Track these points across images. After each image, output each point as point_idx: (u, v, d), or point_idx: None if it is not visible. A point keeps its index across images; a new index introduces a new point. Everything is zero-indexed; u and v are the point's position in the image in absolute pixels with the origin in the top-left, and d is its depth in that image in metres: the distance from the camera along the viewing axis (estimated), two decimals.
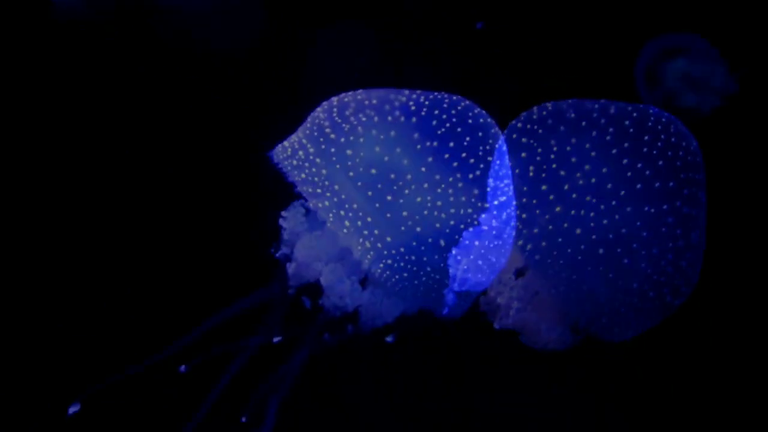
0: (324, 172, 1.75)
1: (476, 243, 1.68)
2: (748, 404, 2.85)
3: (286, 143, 1.89)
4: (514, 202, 1.69)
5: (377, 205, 1.69)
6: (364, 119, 1.76)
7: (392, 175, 1.68)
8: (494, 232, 1.70)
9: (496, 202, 1.71)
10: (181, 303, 2.78)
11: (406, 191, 1.67)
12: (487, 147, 1.72)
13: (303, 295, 1.96)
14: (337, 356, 2.11)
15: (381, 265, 1.70)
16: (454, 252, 1.68)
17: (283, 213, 1.92)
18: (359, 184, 1.70)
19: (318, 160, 1.77)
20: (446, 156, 1.69)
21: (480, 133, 1.73)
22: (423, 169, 1.68)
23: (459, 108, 1.74)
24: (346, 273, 1.82)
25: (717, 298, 2.87)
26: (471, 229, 1.68)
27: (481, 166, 1.70)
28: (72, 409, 2.22)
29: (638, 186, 1.64)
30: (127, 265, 2.82)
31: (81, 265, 2.84)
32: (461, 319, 2.00)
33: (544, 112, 1.73)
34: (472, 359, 2.89)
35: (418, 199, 1.67)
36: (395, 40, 2.91)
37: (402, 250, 1.69)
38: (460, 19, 2.91)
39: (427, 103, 1.75)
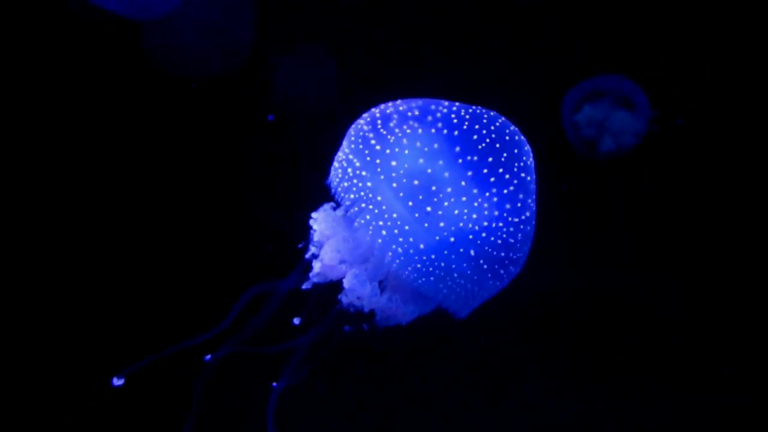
0: (369, 184, 1.83)
1: (502, 254, 1.83)
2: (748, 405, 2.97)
3: (336, 164, 1.98)
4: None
5: (416, 215, 1.78)
6: (408, 131, 1.83)
7: (433, 187, 1.77)
8: (518, 245, 1.87)
9: (523, 217, 1.86)
10: (193, 301, 2.85)
11: (446, 203, 1.77)
12: (521, 163, 1.83)
13: (323, 292, 2.08)
14: (348, 350, 2.21)
15: (409, 269, 1.80)
16: (481, 261, 1.83)
17: (314, 215, 2.03)
18: (401, 194, 1.79)
19: (364, 172, 1.85)
20: (485, 171, 1.78)
21: (516, 150, 1.83)
22: (462, 183, 1.77)
23: (497, 124, 1.84)
24: (368, 277, 1.93)
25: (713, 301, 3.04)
26: (500, 242, 1.82)
27: (515, 181, 1.81)
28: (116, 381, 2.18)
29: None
30: (140, 267, 2.88)
31: (94, 266, 2.86)
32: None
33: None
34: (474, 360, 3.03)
35: (456, 212, 1.77)
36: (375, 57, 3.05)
37: (433, 257, 1.78)
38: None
39: (467, 117, 1.82)
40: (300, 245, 2.09)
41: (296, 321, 2.12)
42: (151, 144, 2.94)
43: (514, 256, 1.88)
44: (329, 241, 1.99)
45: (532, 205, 1.90)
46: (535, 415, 2.99)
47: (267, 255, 2.87)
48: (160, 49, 2.81)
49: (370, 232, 1.82)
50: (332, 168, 1.99)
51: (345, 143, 1.98)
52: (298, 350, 2.16)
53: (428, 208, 1.78)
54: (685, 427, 2.95)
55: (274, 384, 2.17)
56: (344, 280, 1.95)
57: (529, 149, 1.91)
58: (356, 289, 1.94)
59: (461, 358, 3.03)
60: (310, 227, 2.05)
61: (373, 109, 1.98)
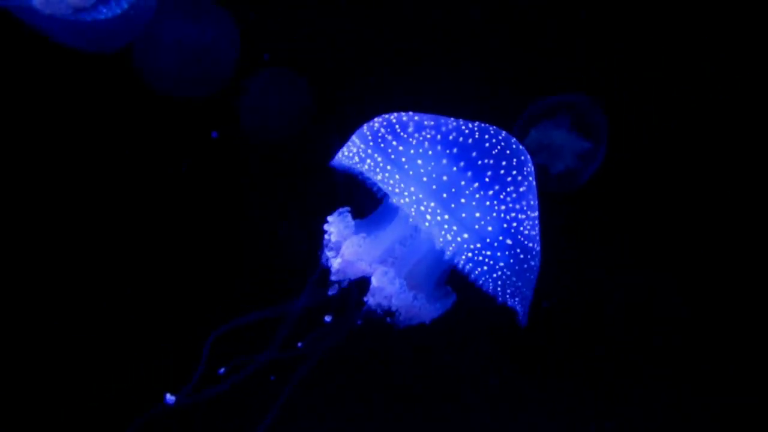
0: (397, 177, 1.88)
1: (530, 245, 1.92)
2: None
3: (346, 152, 2.01)
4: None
5: (452, 206, 1.85)
6: (429, 136, 1.92)
7: (462, 182, 1.87)
8: (538, 238, 1.96)
9: (536, 213, 1.97)
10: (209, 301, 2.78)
11: (477, 196, 1.86)
12: (528, 168, 1.97)
13: (344, 292, 2.09)
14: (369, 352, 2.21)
15: (463, 258, 1.85)
16: (518, 250, 1.90)
17: (329, 218, 2.06)
18: (434, 187, 1.86)
19: (389, 167, 1.90)
20: (502, 172, 1.90)
21: (522, 157, 1.96)
22: (487, 179, 1.89)
23: (503, 135, 1.96)
24: (396, 274, 1.96)
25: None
26: (526, 232, 1.91)
27: (527, 182, 1.94)
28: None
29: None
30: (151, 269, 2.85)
31: (108, 269, 2.84)
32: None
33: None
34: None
35: (487, 203, 1.87)
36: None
37: (479, 245, 1.85)
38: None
39: (476, 129, 1.94)
40: (304, 250, 2.12)
41: (327, 318, 2.15)
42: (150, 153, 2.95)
43: (537, 248, 1.97)
44: (350, 239, 2.01)
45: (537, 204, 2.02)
46: (536, 415, 3.05)
47: (280, 261, 2.82)
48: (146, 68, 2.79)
49: (419, 220, 1.86)
50: (342, 155, 2.03)
51: (358, 140, 2.02)
52: (319, 352, 2.15)
53: (462, 200, 1.86)
54: (685, 428, 3.08)
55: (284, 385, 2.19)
56: (373, 279, 1.97)
57: (529, 157, 2.04)
58: (386, 287, 1.96)
59: (467, 358, 3.07)
60: (324, 231, 2.07)
61: (384, 115, 2.04)
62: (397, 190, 1.87)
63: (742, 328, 3.10)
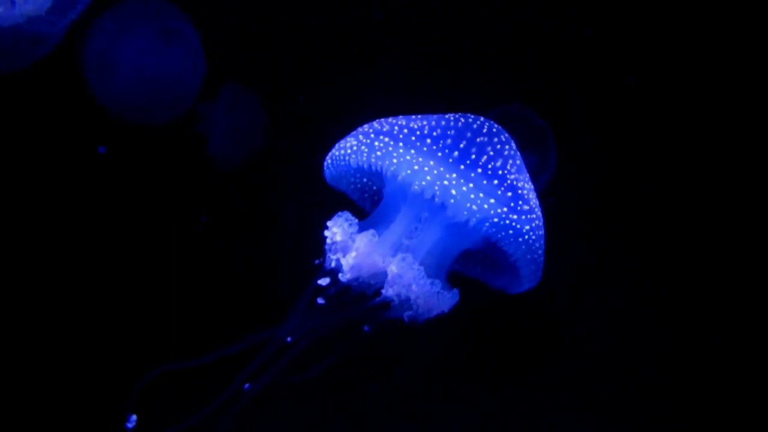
0: (413, 152, 1.92)
1: (538, 211, 2.00)
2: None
3: (347, 148, 2.02)
4: None
5: (472, 175, 1.91)
6: (426, 126, 1.99)
7: (473, 156, 1.95)
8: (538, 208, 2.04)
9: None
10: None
11: (490, 165, 1.94)
12: (514, 146, 2.05)
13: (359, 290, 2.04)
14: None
15: (487, 224, 1.89)
16: (534, 216, 1.96)
17: (329, 223, 2.03)
18: (450, 160, 1.92)
19: (401, 145, 1.94)
20: (498, 147, 1.99)
21: (506, 135, 2.04)
22: (490, 153, 1.97)
23: (481, 119, 2.04)
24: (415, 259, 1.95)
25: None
26: (533, 200, 1.99)
27: (518, 159, 2.03)
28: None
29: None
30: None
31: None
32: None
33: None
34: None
35: (501, 172, 1.94)
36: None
37: (504, 210, 1.90)
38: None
39: (458, 117, 2.02)
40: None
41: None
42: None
43: (539, 220, 2.04)
44: (361, 234, 1.99)
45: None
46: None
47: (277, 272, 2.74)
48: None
49: (435, 201, 1.88)
50: (344, 150, 2.03)
51: (361, 136, 2.02)
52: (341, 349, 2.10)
53: (479, 170, 1.93)
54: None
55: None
56: (392, 267, 1.94)
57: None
58: (406, 272, 1.94)
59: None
60: (325, 236, 2.04)
61: (376, 121, 2.08)
62: (417, 168, 1.88)
63: (714, 333, 3.19)
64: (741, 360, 3.12)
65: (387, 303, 1.98)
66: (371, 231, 1.99)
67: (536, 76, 3.16)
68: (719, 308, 3.13)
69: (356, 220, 2.04)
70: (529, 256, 1.96)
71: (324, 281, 2.04)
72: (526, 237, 1.92)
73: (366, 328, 2.14)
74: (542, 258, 2.04)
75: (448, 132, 1.96)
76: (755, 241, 3.11)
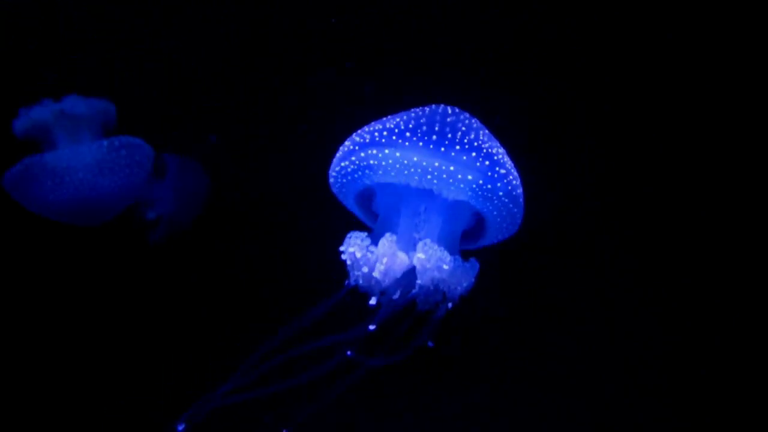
0: (397, 154, 2.08)
1: (512, 176, 2.19)
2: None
3: (341, 166, 2.17)
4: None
5: (452, 154, 2.08)
6: (397, 121, 2.17)
7: (449, 135, 2.12)
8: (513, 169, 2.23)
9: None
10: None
11: (466, 139, 2.14)
12: (477, 122, 2.25)
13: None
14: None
15: (469, 194, 2.07)
16: (510, 178, 2.15)
17: (342, 246, 2.17)
18: (431, 147, 2.08)
19: (386, 150, 2.09)
20: (464, 128, 2.18)
21: (468, 115, 2.25)
22: (463, 132, 2.17)
23: (443, 106, 2.24)
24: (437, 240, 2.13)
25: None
26: (508, 165, 2.18)
27: (482, 131, 2.21)
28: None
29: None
30: None
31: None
32: None
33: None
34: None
35: (476, 144, 2.14)
36: None
37: (480, 181, 2.07)
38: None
39: (425, 108, 2.22)
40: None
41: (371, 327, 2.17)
42: None
43: (516, 179, 2.24)
44: (382, 240, 2.12)
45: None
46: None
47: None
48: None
49: (423, 182, 2.06)
50: (342, 177, 2.19)
51: (347, 153, 2.19)
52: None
53: (457, 147, 2.12)
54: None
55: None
56: (417, 255, 2.09)
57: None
58: (432, 254, 2.08)
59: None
60: (345, 257, 2.18)
61: (356, 133, 2.26)
62: (405, 170, 2.06)
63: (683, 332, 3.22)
64: (741, 360, 3.12)
65: (425, 291, 2.11)
66: (387, 234, 2.13)
67: (536, 77, 3.20)
68: (719, 308, 3.14)
69: (366, 234, 2.18)
70: (505, 212, 2.14)
71: (373, 301, 2.15)
72: (500, 203, 2.11)
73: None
74: (521, 209, 2.22)
75: (421, 121, 2.14)
76: (755, 241, 3.14)
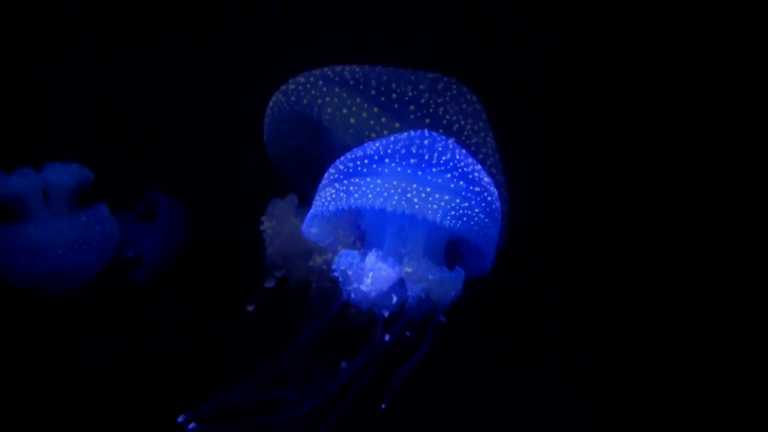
0: (378, 181, 2.16)
1: (488, 193, 2.26)
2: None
3: (323, 201, 2.24)
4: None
5: (429, 178, 2.16)
6: (375, 148, 2.25)
7: (426, 156, 2.21)
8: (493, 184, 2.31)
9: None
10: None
11: (442, 156, 2.22)
12: (452, 143, 2.32)
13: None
14: None
15: (449, 217, 2.13)
16: (485, 194, 2.23)
17: (333, 265, 2.26)
18: (408, 171, 2.17)
19: (368, 179, 2.17)
20: (440, 148, 2.25)
21: (443, 139, 2.31)
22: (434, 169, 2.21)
23: (422, 129, 2.32)
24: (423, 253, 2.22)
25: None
26: (485, 180, 2.26)
27: (457, 150, 2.29)
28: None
29: None
30: None
31: None
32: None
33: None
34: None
35: (451, 158, 2.23)
36: None
37: (457, 200, 2.15)
38: None
39: (402, 135, 2.30)
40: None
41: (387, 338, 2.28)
42: None
43: (495, 192, 2.32)
44: (368, 256, 2.23)
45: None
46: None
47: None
48: None
49: (404, 207, 2.11)
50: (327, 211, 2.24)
51: (327, 186, 2.27)
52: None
53: (434, 169, 2.19)
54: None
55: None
56: (405, 268, 2.19)
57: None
58: (418, 266, 2.19)
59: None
60: (336, 274, 2.27)
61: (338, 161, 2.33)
62: (385, 194, 2.13)
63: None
64: (741, 360, 3.11)
65: (416, 302, 2.21)
66: (374, 250, 2.23)
67: (536, 77, 3.21)
68: (719, 308, 3.14)
69: (356, 251, 2.27)
70: (482, 233, 2.20)
71: (385, 313, 2.25)
72: (477, 219, 2.17)
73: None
74: (496, 233, 2.29)
75: (399, 144, 2.23)
76: (755, 241, 3.14)
